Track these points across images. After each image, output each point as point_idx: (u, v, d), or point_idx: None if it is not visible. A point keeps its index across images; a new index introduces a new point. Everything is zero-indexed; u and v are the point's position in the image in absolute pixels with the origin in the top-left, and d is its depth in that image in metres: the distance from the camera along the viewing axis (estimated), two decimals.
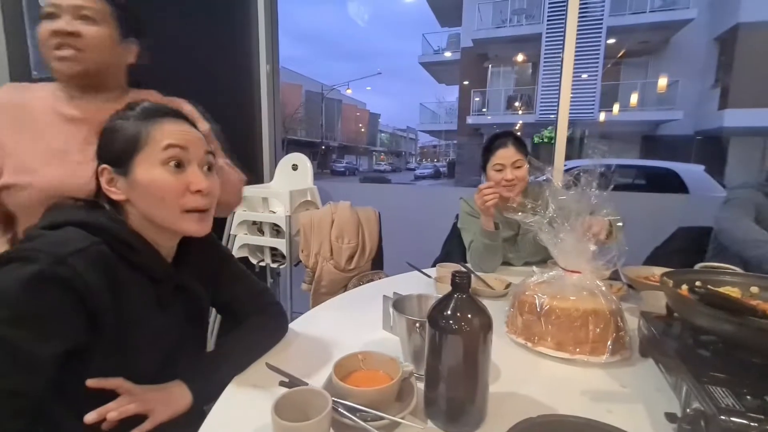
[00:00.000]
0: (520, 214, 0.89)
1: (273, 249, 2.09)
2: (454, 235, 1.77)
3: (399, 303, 0.74)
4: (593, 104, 12.04)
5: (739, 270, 0.80)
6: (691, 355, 0.63)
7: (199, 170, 0.66)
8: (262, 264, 2.10)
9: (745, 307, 0.55)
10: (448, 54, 16.42)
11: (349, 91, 26.54)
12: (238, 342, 0.75)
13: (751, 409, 0.48)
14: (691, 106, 11.41)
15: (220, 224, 2.06)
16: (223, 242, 2.04)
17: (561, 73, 2.04)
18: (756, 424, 0.46)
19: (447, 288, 0.58)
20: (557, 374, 0.73)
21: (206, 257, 0.79)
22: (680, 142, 11.64)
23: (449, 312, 0.55)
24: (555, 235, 0.82)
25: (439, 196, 2.57)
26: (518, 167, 1.32)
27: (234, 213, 2.04)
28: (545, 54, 12.63)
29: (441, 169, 23.25)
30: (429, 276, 1.20)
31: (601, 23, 11.64)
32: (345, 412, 0.53)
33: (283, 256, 1.99)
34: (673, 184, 3.94)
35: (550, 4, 12.14)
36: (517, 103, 14.26)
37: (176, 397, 0.62)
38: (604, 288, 0.78)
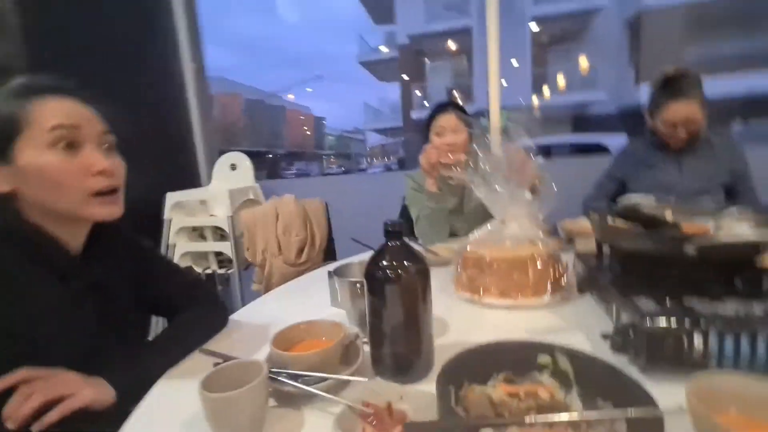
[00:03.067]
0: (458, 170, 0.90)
1: (219, 254, 1.99)
2: (402, 217, 1.77)
3: (340, 270, 0.72)
4: (526, 90, 12.72)
5: (653, 198, 0.86)
6: (619, 280, 0.66)
7: (97, 149, 0.60)
8: (209, 271, 1.99)
9: (660, 220, 0.59)
10: (385, 49, 16.56)
11: (291, 97, 26.08)
12: (168, 335, 0.69)
13: (671, 311, 0.51)
14: (612, 86, 12.40)
15: (155, 233, 1.92)
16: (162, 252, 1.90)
17: (488, 58, 2.12)
18: (675, 324, 0.49)
19: None
20: (503, 320, 0.74)
21: (126, 253, 0.72)
22: (606, 119, 12.61)
23: (384, 262, 0.54)
24: (489, 188, 0.83)
25: (385, 182, 2.58)
26: (459, 132, 1.34)
27: (170, 221, 1.91)
28: (478, 45, 13.16)
29: (392, 167, 23.47)
30: None
31: (525, 12, 12.34)
32: (285, 380, 0.50)
33: (231, 260, 1.89)
34: (601, 153, 4.42)
35: None
36: (456, 94, 14.72)
37: (100, 387, 0.54)
38: (540, 233, 0.81)
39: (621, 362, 0.53)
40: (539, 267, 0.76)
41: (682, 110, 1.33)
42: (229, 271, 1.95)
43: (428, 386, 0.52)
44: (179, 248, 1.92)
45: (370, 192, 2.53)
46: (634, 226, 0.68)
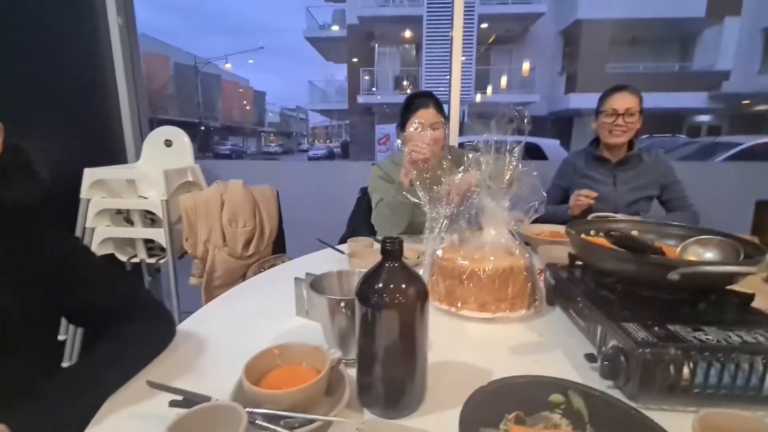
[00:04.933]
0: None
1: (149, 241, 1.76)
2: (360, 209, 1.71)
3: (317, 283, 0.64)
4: (470, 86, 13.13)
5: (619, 216, 0.90)
6: (597, 298, 0.67)
7: None
8: (135, 260, 1.76)
9: (647, 246, 0.60)
10: (335, 28, 15.96)
11: (228, 66, 24.15)
12: (100, 359, 0.56)
13: (660, 338, 0.52)
14: (546, 90, 13.29)
15: (67, 215, 1.64)
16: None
17: (451, 54, 2.10)
18: (667, 350, 0.50)
19: (362, 264, 0.51)
20: (483, 334, 0.72)
21: (33, 255, 0.58)
22: (539, 121, 13.53)
23: (382, 284, 0.48)
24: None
25: (337, 172, 2.48)
26: (437, 129, 1.33)
27: (88, 201, 1.64)
28: (427, 36, 13.24)
29: (335, 150, 23.03)
30: (342, 252, 1.12)
31: (474, 10, 12.64)
32: (265, 424, 0.43)
33: (163, 249, 1.68)
34: (536, 155, 4.72)
35: None
36: (404, 83, 14.76)
37: None
38: (518, 243, 0.80)
39: (605, 385, 0.54)
40: (519, 280, 0.75)
41: (625, 99, 1.50)
42: (161, 261, 1.74)
43: (421, 423, 0.48)
44: (99, 233, 1.67)
45: (319, 181, 2.42)
46: (612, 245, 0.69)
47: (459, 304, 0.76)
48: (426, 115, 1.35)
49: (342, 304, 0.57)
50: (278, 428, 0.42)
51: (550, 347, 0.68)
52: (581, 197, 1.42)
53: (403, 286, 0.48)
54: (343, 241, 1.31)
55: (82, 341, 1.63)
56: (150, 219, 1.72)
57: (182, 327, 0.72)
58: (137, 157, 1.92)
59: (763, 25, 11.68)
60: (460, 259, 0.78)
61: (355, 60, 15.01)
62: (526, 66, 13.37)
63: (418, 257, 1.09)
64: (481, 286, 0.75)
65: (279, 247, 1.70)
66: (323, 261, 1.11)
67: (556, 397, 0.42)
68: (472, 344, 0.69)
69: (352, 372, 0.53)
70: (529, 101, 13.72)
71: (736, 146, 4.92)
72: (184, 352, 0.65)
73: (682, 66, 13.48)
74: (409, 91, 14.56)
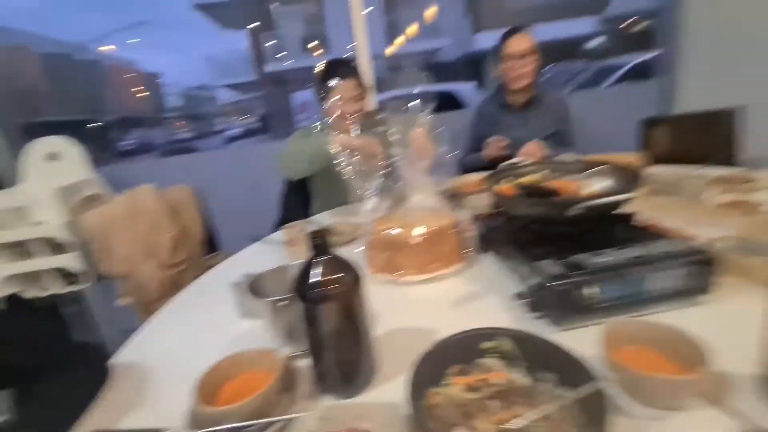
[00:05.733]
0: None
1: (61, 270, 1.58)
2: (291, 191, 1.66)
3: (255, 285, 0.63)
4: (380, 38, 12.82)
5: (528, 161, 0.98)
6: (516, 241, 0.74)
7: None
8: (48, 294, 1.58)
9: (548, 190, 0.66)
10: None
11: (109, 48, 21.06)
12: (28, 425, 0.52)
13: (568, 268, 0.59)
14: (454, 33, 13.42)
15: None
16: None
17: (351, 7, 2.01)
18: (574, 279, 0.57)
19: (299, 252, 0.51)
20: (425, 296, 0.77)
21: None
22: (452, 66, 13.74)
23: (317, 279, 0.48)
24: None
25: (258, 154, 2.36)
26: (358, 100, 1.35)
27: None
28: None
29: (253, 126, 21.61)
30: (277, 242, 1.10)
31: None
32: None
33: (80, 275, 1.53)
34: (453, 103, 4.68)
35: None
36: (313, 45, 13.99)
37: None
38: (443, 201, 0.84)
39: (531, 318, 0.61)
40: (450, 236, 0.80)
41: (522, 41, 1.57)
42: (82, 288, 1.58)
43: (377, 395, 0.52)
44: None
45: (243, 167, 2.29)
46: (521, 192, 0.76)
47: (400, 271, 0.80)
48: (347, 87, 1.33)
49: (283, 303, 0.57)
50: None
51: (486, 293, 0.74)
52: (491, 145, 1.51)
53: (338, 276, 0.49)
54: (276, 226, 1.27)
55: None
56: (53, 246, 1.54)
57: (121, 357, 0.67)
58: (17, 179, 1.66)
59: None
60: (393, 230, 0.81)
61: (255, 25, 13.85)
62: (429, 12, 13.32)
63: (355, 231, 1.10)
64: (417, 251, 0.79)
65: (211, 246, 1.62)
66: (261, 253, 1.08)
67: (487, 344, 0.47)
68: (416, 307, 0.73)
69: (304, 363, 0.54)
70: (438, 47, 13.80)
71: (622, 67, 5.41)
72: (129, 385, 0.61)
73: None
74: (320, 52, 13.87)
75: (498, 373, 0.45)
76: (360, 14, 2.02)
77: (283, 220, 1.39)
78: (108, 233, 1.35)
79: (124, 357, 0.68)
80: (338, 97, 1.32)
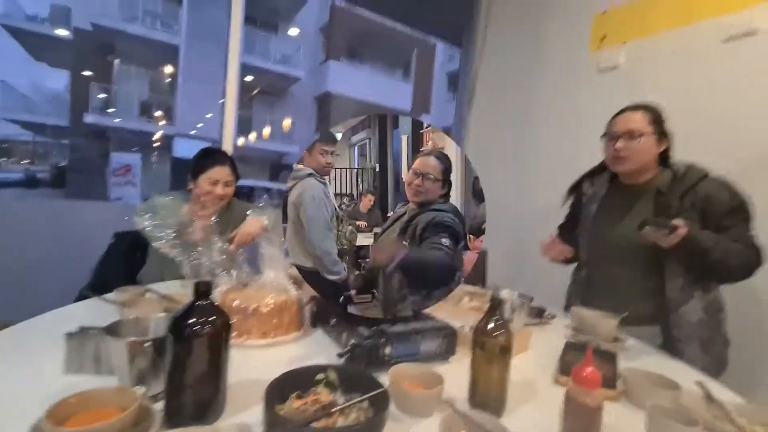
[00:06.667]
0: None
1: None
2: (117, 251, 1.57)
3: (114, 329, 0.67)
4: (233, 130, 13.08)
5: None
6: (341, 317, 0.99)
7: None
8: None
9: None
10: (63, 32, 12.51)
11: None
12: None
13: (374, 333, 0.86)
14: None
15: None
16: None
17: (225, 97, 2.24)
18: (378, 340, 0.84)
19: (137, 312, 0.65)
20: (267, 357, 0.90)
21: None
22: None
23: (197, 318, 0.61)
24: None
25: (63, 211, 2.08)
26: (228, 186, 1.51)
27: None
28: (185, 69, 12.51)
29: (40, 176, 17.18)
30: (110, 301, 1.06)
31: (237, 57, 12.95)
32: None
33: None
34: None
35: (188, 17, 12.32)
36: (157, 113, 13.08)
37: None
38: (289, 281, 1.04)
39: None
40: (292, 309, 0.99)
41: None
42: None
43: (228, 420, 0.63)
44: None
45: (35, 226, 1.97)
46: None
47: (244, 336, 0.92)
48: (223, 172, 1.49)
49: (146, 344, 0.64)
50: None
51: (316, 355, 0.93)
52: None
53: (214, 317, 0.63)
54: (94, 288, 1.20)
55: None
56: None
57: None
58: None
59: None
60: (243, 299, 0.95)
61: (87, 73, 12.30)
62: (287, 122, 14.62)
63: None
64: (264, 319, 0.94)
65: None
66: (61, 318, 1.00)
67: (319, 376, 0.67)
68: (258, 366, 0.86)
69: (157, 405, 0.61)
70: (289, 152, 14.87)
71: None
72: None
73: None
74: (162, 123, 13.00)
75: (324, 394, 0.65)
76: (232, 105, 2.25)
77: (103, 285, 1.29)
78: None
79: None
80: (215, 179, 1.47)
